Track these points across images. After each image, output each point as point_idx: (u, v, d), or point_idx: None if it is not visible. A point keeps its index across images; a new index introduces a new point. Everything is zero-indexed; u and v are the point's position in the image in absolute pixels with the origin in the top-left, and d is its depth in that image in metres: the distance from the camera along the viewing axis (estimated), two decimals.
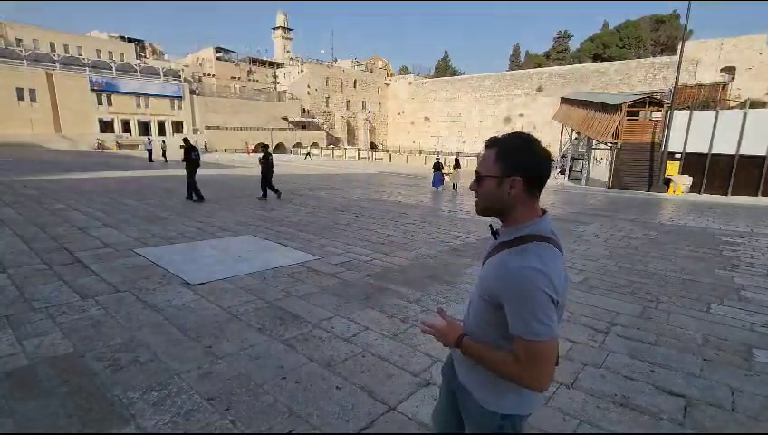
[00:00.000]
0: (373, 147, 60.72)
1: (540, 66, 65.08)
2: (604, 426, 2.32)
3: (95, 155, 30.82)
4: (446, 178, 18.34)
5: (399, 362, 2.93)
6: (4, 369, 2.66)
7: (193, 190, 10.54)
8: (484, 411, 1.23)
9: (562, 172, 26.61)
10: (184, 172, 10.77)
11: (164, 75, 49.81)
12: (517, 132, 1.18)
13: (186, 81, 51.63)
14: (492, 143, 1.19)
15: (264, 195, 11.56)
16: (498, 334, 1.15)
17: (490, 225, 1.32)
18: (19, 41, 46.91)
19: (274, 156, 13.69)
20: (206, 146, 44.88)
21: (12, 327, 3.23)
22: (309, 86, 61.29)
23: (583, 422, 2.34)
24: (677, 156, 19.26)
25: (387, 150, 51.46)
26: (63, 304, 3.72)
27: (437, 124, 65.88)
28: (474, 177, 1.24)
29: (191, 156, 10.45)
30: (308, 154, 45.33)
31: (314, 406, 2.39)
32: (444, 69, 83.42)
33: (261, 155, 11.72)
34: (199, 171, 10.87)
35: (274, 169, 11.92)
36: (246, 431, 2.16)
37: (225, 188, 14.08)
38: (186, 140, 11.00)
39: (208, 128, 48.58)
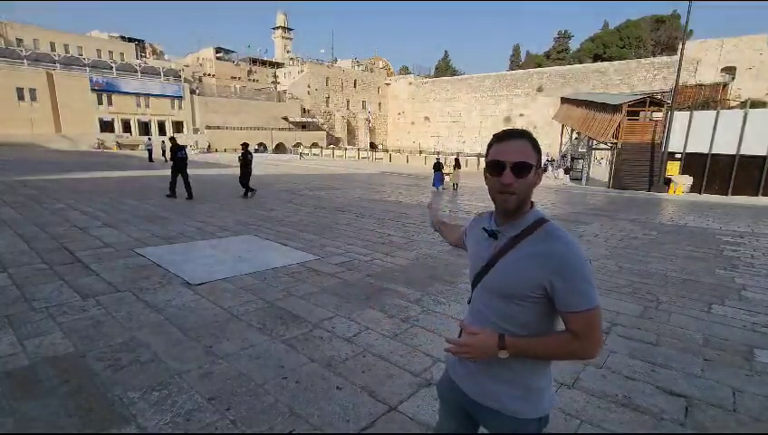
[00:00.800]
0: (373, 147, 60.69)
1: (540, 66, 65.07)
2: (605, 426, 2.31)
3: (96, 155, 30.80)
4: (447, 178, 18.33)
5: (400, 362, 2.93)
6: (5, 369, 2.65)
7: (186, 187, 10.82)
8: (522, 423, 1.19)
9: (567, 171, 26.31)
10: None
11: (164, 75, 49.82)
12: (514, 128, 1.20)
13: (186, 81, 51.64)
14: (519, 134, 1.17)
15: (246, 193, 11.71)
16: (525, 333, 1.15)
17: (483, 228, 1.26)
18: (19, 41, 46.94)
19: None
20: (209, 147, 45.02)
21: (12, 327, 3.23)
22: (309, 86, 61.29)
23: (584, 422, 2.34)
24: (678, 156, 19.25)
25: (387, 150, 51.42)
26: (64, 304, 3.71)
27: (437, 124, 65.86)
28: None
29: (177, 155, 10.70)
30: (300, 154, 44.23)
31: (315, 406, 2.39)
32: (444, 69, 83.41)
33: (240, 153, 11.97)
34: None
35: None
36: (247, 431, 2.16)
37: (223, 186, 14.08)
38: (172, 139, 11.29)
39: (209, 128, 48.60)
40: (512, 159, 1.12)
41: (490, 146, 1.19)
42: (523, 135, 1.17)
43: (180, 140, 12.97)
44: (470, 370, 1.26)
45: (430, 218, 1.95)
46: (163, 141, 30.84)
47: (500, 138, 1.18)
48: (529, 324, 1.15)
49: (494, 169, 1.15)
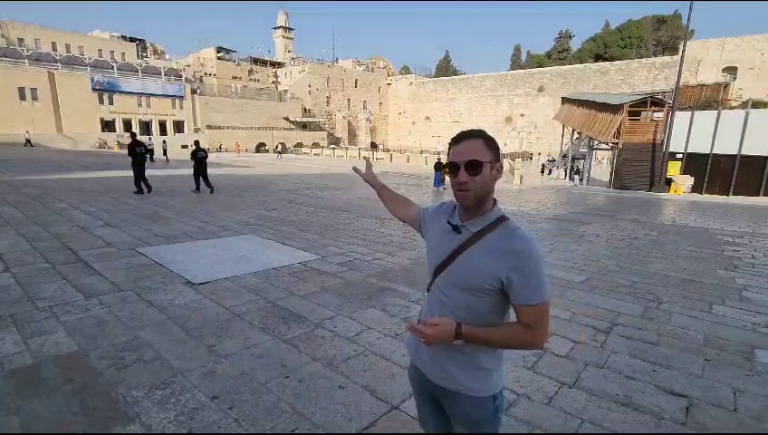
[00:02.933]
0: (374, 146, 60.72)
1: (541, 66, 65.06)
2: (606, 426, 2.32)
3: (98, 155, 30.83)
4: (447, 178, 18.36)
5: (402, 362, 2.94)
6: (10, 367, 2.67)
7: (143, 182, 11.23)
8: (479, 402, 1.28)
9: (577, 172, 25.70)
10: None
11: (165, 75, 49.91)
12: (470, 129, 1.26)
13: (187, 80, 51.73)
14: (472, 135, 1.24)
15: (197, 188, 12.11)
16: (480, 322, 1.21)
17: (448, 222, 1.32)
18: (21, 40, 47.05)
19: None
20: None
21: (16, 326, 3.25)
22: (310, 86, 61.34)
23: (585, 422, 2.35)
24: (679, 156, 19.24)
25: (388, 150, 51.44)
26: (67, 303, 3.73)
27: (438, 124, 65.88)
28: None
29: (136, 151, 11.00)
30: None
31: (317, 405, 2.41)
32: (445, 69, 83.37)
33: (192, 150, 12.32)
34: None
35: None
36: (250, 430, 2.17)
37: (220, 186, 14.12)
38: (133, 134, 11.83)
39: (209, 127, 48.66)
40: (464, 159, 1.20)
41: (449, 149, 1.26)
42: (477, 135, 1.24)
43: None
44: (431, 355, 1.33)
45: (360, 175, 1.81)
46: (164, 141, 30.96)
47: (455, 140, 1.25)
48: (483, 315, 1.23)
49: (451, 169, 1.23)
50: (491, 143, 1.23)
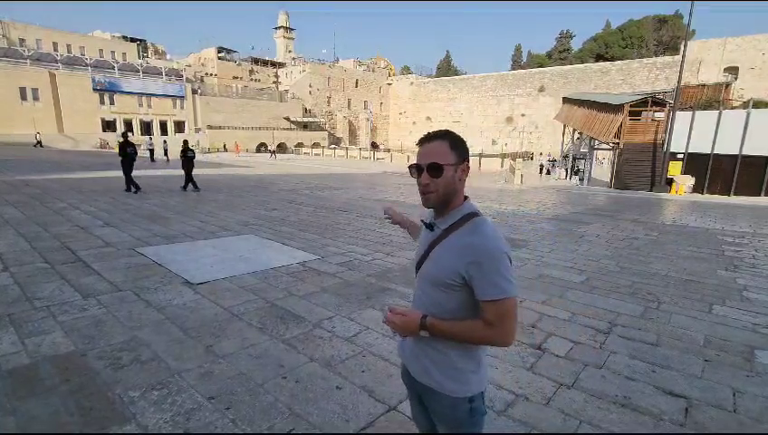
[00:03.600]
0: (375, 146, 60.74)
1: (542, 66, 65.01)
2: (605, 426, 2.31)
3: (99, 155, 30.86)
4: None
5: (400, 362, 2.93)
6: (6, 367, 2.67)
7: (131, 183, 11.59)
8: (453, 401, 1.28)
9: (576, 172, 25.60)
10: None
11: (166, 75, 49.97)
12: (436, 130, 1.29)
13: (188, 80, 51.78)
14: (437, 136, 1.25)
15: (185, 186, 12.50)
16: (450, 317, 1.24)
17: (422, 220, 1.37)
18: (22, 40, 47.17)
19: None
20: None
21: (14, 326, 3.25)
22: (311, 86, 61.36)
23: (584, 422, 2.34)
24: (680, 156, 19.18)
25: (388, 150, 51.46)
26: (65, 303, 3.73)
27: (439, 124, 65.75)
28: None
29: (127, 150, 11.34)
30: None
31: (315, 405, 2.40)
32: (446, 69, 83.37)
33: (181, 150, 12.74)
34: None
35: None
36: (247, 430, 2.16)
37: (211, 185, 14.12)
38: (124, 134, 12.44)
39: (210, 127, 48.71)
40: (426, 161, 1.22)
41: (418, 150, 1.28)
42: (442, 136, 1.25)
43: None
44: (412, 351, 1.36)
45: (389, 214, 1.81)
46: (164, 141, 30.98)
47: (420, 142, 1.27)
48: (453, 311, 1.24)
49: (414, 171, 1.26)
50: (456, 144, 1.24)
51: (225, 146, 45.98)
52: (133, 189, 11.52)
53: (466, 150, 1.27)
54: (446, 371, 1.28)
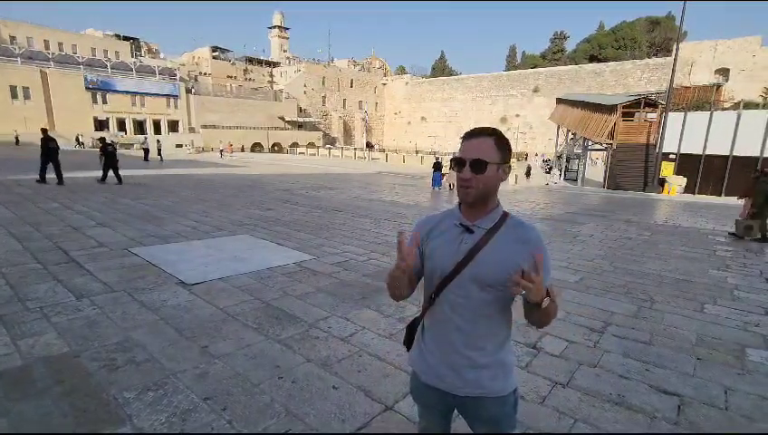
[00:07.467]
0: (370, 146, 60.71)
1: (536, 67, 65.35)
2: (599, 425, 2.33)
3: (93, 154, 30.56)
4: (444, 179, 18.38)
5: (396, 362, 2.94)
6: None
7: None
8: (503, 400, 1.30)
9: (565, 172, 25.85)
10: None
11: (160, 74, 49.58)
12: (484, 126, 1.27)
13: (182, 79, 51.44)
14: (484, 132, 1.23)
15: (103, 179, 13.22)
16: (500, 316, 1.29)
17: (460, 223, 1.28)
18: (13, 38, 46.55)
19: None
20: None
21: (6, 327, 3.21)
22: (305, 86, 61.22)
23: (578, 421, 2.36)
24: (672, 157, 19.39)
25: (383, 150, 51.47)
26: (58, 304, 3.69)
27: (434, 124, 66.00)
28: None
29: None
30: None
31: (311, 406, 2.39)
32: (440, 69, 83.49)
33: (101, 146, 13.69)
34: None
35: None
36: (243, 431, 2.16)
37: (207, 185, 14.04)
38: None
39: (204, 127, 48.39)
40: (470, 157, 1.20)
41: (461, 143, 1.26)
42: (490, 133, 1.23)
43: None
44: (448, 365, 1.29)
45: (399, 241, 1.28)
46: (158, 140, 30.76)
47: (467, 136, 1.25)
48: (504, 309, 1.29)
49: (456, 164, 1.23)
50: (502, 143, 1.23)
51: (220, 147, 45.49)
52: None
53: (510, 151, 1.27)
54: (495, 372, 1.28)
